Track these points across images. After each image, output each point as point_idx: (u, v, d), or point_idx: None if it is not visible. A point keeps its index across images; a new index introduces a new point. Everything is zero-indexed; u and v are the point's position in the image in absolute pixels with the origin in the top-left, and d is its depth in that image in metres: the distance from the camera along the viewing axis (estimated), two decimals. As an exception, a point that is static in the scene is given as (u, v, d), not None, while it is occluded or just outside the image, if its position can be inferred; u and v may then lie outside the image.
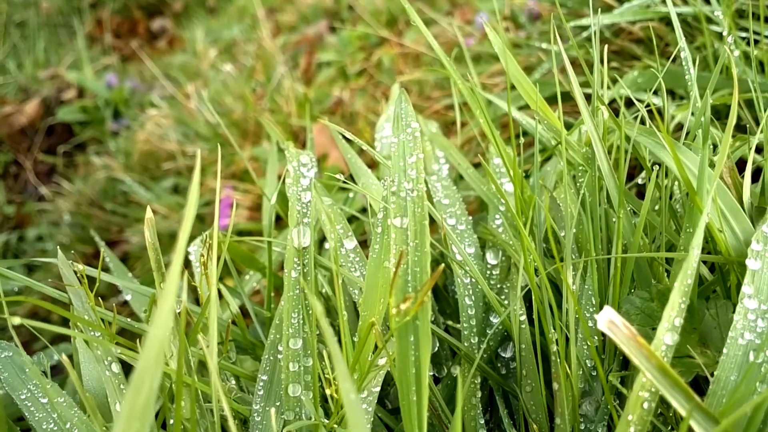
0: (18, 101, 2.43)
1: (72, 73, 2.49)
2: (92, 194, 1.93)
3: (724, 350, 0.43)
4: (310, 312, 0.55)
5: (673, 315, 0.42)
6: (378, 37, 2.02)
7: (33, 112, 2.38)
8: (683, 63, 0.75)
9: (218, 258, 0.66)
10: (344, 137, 0.73)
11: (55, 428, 0.49)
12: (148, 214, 0.50)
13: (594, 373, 0.51)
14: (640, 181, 0.77)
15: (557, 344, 0.50)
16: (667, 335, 0.42)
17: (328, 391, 0.46)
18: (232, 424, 0.39)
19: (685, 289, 0.43)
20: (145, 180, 1.81)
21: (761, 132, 0.61)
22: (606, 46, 0.98)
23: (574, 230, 0.58)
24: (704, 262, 0.56)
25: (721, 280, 0.53)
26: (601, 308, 0.51)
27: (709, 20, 0.93)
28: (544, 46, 1.20)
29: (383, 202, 0.49)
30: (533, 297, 0.52)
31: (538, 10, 1.39)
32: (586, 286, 0.54)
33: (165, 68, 2.66)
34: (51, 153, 2.32)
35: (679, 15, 0.98)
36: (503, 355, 0.59)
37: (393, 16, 2.11)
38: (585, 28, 1.08)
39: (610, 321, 0.39)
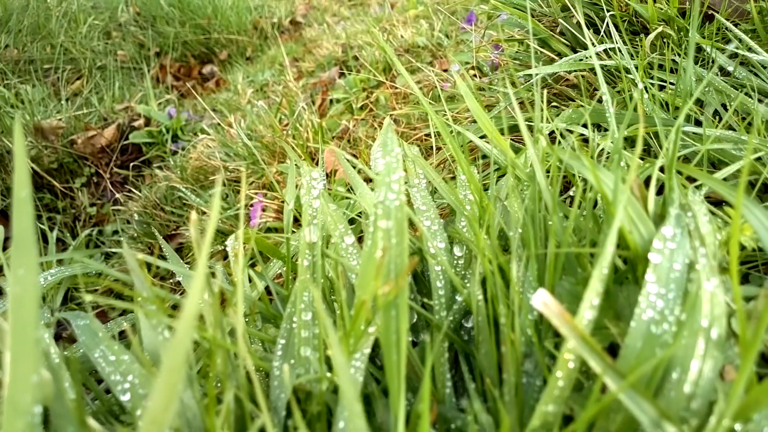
0: (99, 127, 2.43)
1: (141, 106, 2.48)
2: (156, 199, 1.92)
3: (632, 323, 0.43)
4: (320, 292, 0.55)
5: (592, 296, 0.42)
6: (376, 81, 2.02)
7: (111, 135, 2.37)
8: (605, 104, 0.75)
9: (247, 250, 0.66)
10: (348, 159, 0.74)
11: (121, 379, 0.49)
12: (193, 216, 0.50)
13: (533, 340, 0.51)
14: (571, 193, 0.78)
15: (505, 317, 0.50)
16: (587, 312, 0.42)
17: (329, 353, 0.46)
18: (254, 375, 0.39)
19: (602, 276, 0.43)
20: (197, 189, 1.80)
21: (663, 156, 0.61)
22: (546, 90, 0.98)
23: (520, 230, 0.58)
24: (619, 257, 0.56)
25: (631, 270, 0.53)
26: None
27: (627, 71, 0.93)
28: (501, 89, 1.20)
29: (374, 209, 0.49)
30: (487, 282, 0.52)
31: (498, 62, 1.39)
32: (528, 274, 0.54)
33: (212, 103, 2.65)
34: (124, 167, 2.31)
35: (603, 66, 0.98)
36: (466, 325, 0.59)
37: (388, 64, 2.12)
38: (532, 76, 1.08)
39: (543, 301, 0.39)
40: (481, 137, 0.96)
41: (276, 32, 3.34)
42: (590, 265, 0.55)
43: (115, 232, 2.01)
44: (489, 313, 0.53)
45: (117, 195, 2.00)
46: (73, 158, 2.34)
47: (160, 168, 2.11)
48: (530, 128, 0.92)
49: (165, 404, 0.28)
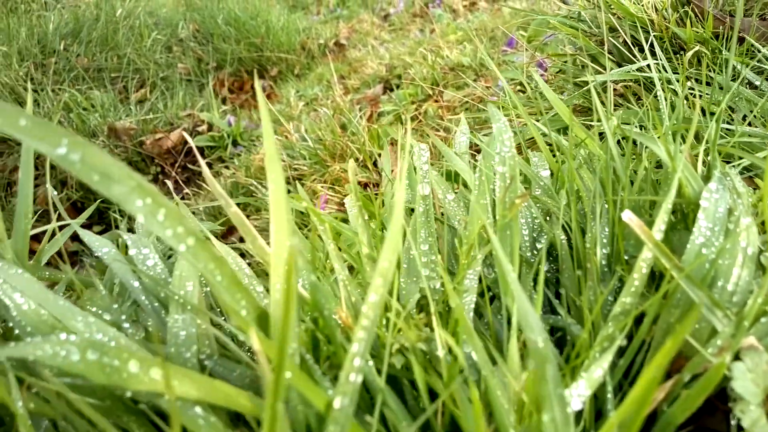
0: (166, 131, 2.62)
1: (204, 113, 2.68)
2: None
3: (688, 246, 0.57)
4: (433, 230, 0.69)
5: (660, 223, 0.56)
6: (425, 94, 2.19)
7: (176, 138, 2.56)
8: (659, 100, 0.90)
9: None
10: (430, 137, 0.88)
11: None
12: (351, 164, 0.65)
13: (606, 268, 0.65)
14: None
15: (590, 243, 0.64)
16: (657, 233, 0.56)
17: (439, 271, 0.61)
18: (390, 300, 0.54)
19: (668, 209, 0.57)
20: (263, 182, 1.97)
21: (705, 141, 0.76)
22: (597, 96, 1.13)
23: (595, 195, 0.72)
24: (674, 209, 0.69)
25: (683, 221, 0.67)
26: (612, 234, 0.65)
27: (669, 82, 1.08)
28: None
29: (492, 158, 0.64)
30: (572, 217, 0.66)
31: (545, 77, 1.55)
32: (603, 219, 0.69)
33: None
34: (187, 168, 2.50)
35: (647, 78, 1.13)
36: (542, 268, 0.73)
37: (435, 80, 2.29)
38: (581, 85, 1.23)
39: (628, 217, 0.54)
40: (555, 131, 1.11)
41: (323, 52, 3.55)
42: (650, 216, 0.69)
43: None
44: (570, 249, 0.67)
45: (186, 190, 2.18)
46: (142, 157, 2.54)
47: (226, 167, 2.29)
48: (588, 127, 1.08)
49: (390, 262, 0.43)
